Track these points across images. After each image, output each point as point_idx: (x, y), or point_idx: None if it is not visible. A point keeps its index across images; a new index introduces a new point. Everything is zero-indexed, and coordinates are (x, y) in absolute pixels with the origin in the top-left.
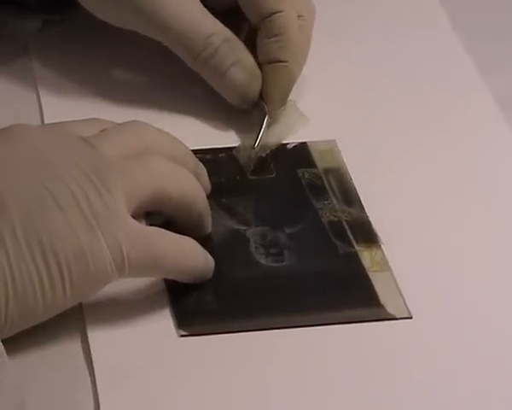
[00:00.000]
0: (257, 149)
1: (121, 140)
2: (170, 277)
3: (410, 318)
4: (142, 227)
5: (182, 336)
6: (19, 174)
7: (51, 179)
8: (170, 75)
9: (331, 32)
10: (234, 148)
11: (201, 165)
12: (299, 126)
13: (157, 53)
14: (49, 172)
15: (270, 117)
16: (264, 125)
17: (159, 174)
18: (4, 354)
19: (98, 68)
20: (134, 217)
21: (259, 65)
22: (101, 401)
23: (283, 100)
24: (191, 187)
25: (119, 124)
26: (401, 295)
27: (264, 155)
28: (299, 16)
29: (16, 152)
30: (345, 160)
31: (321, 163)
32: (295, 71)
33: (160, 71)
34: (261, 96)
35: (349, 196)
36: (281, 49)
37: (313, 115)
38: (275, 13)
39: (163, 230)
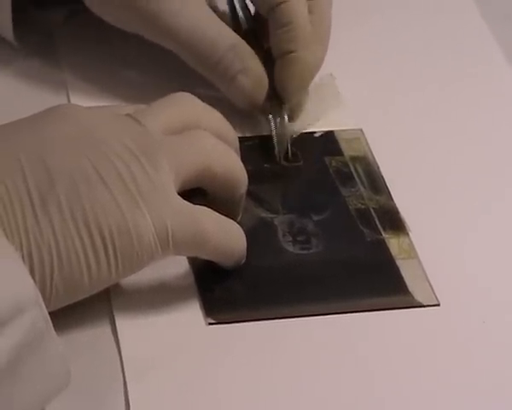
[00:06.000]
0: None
1: (167, 114)
2: (211, 257)
3: (438, 305)
4: (187, 205)
5: (210, 324)
6: (66, 150)
7: (97, 156)
8: (189, 70)
9: (356, 20)
10: (264, 136)
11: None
12: (333, 107)
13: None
14: (95, 149)
15: (286, 111)
16: (273, 129)
17: (205, 151)
18: (51, 326)
19: (127, 58)
20: (180, 194)
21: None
22: (129, 389)
23: (299, 91)
24: (236, 166)
25: (164, 97)
26: (428, 283)
27: (303, 130)
28: None
29: (64, 129)
30: (372, 148)
31: (348, 151)
32: (308, 58)
33: (179, 67)
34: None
35: (376, 183)
36: (289, 40)
37: (340, 104)
38: (280, 3)
39: (209, 209)
